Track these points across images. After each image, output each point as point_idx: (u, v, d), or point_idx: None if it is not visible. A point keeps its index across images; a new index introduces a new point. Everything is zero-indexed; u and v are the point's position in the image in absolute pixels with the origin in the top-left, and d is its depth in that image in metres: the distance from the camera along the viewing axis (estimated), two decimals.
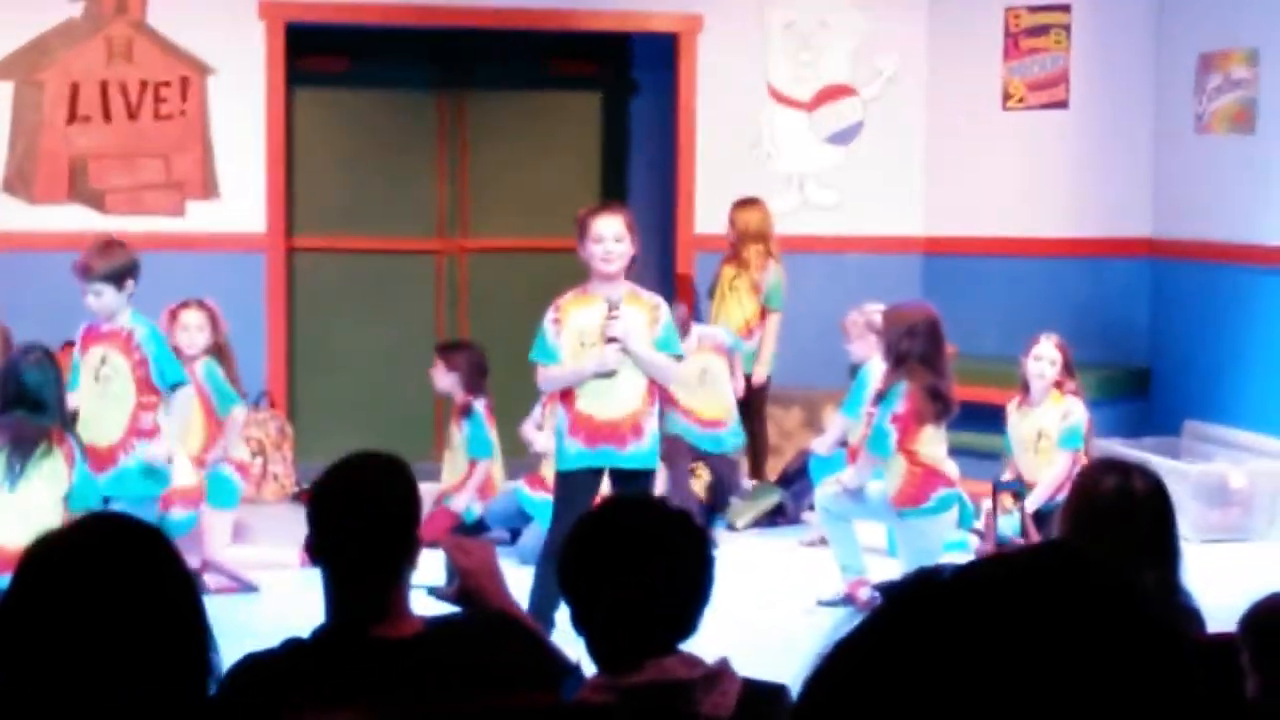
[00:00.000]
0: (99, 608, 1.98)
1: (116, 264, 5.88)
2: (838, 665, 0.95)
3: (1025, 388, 6.96)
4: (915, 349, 6.06)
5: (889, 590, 0.99)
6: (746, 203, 8.47)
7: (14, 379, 5.50)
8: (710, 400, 7.82)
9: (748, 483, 8.00)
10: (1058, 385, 6.88)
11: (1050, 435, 6.84)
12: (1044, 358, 6.89)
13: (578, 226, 5.64)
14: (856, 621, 0.98)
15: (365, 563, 2.73)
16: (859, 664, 0.94)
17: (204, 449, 6.84)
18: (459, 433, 7.52)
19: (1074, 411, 6.83)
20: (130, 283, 5.91)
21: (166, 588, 2.03)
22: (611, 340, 5.52)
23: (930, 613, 0.94)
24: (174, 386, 5.96)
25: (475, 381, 7.50)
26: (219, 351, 6.98)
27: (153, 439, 5.89)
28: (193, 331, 6.89)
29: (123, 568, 2.02)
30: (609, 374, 5.55)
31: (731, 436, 7.88)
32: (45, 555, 2.06)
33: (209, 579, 6.32)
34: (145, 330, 5.96)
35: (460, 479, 7.51)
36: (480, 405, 7.46)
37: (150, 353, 5.91)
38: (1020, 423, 6.98)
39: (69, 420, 5.67)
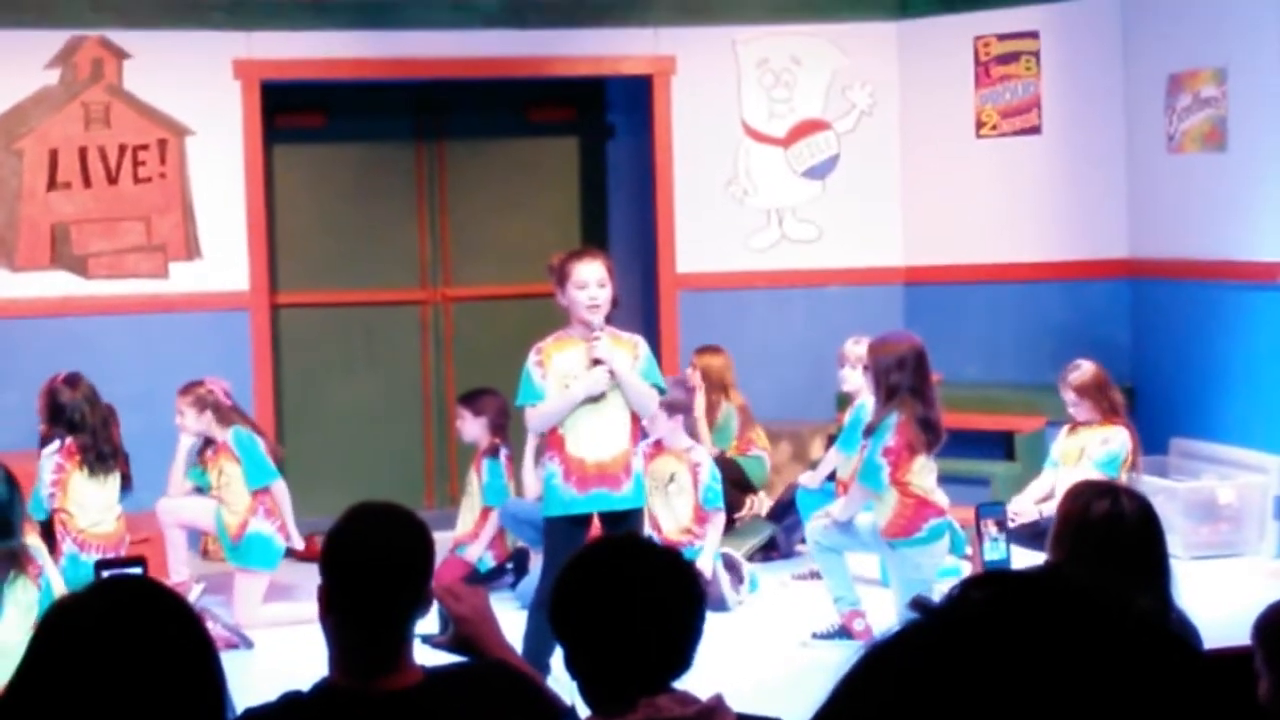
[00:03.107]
0: (117, 670, 1.98)
1: None
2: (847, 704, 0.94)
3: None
4: (904, 381, 6.09)
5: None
6: (708, 349, 8.32)
7: None
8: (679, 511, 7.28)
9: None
10: (1103, 410, 7.02)
11: (1089, 454, 6.97)
12: (1068, 401, 7.12)
13: (555, 273, 5.66)
14: (856, 659, 0.97)
15: (380, 614, 2.73)
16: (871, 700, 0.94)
17: (250, 512, 6.96)
18: (477, 479, 7.55)
19: (1114, 438, 6.94)
20: None
21: (183, 649, 2.03)
22: (597, 362, 5.55)
23: (928, 652, 0.93)
24: None
25: (501, 426, 7.55)
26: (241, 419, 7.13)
27: None
28: (187, 420, 7.06)
29: (140, 630, 2.01)
30: (598, 398, 5.57)
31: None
32: (63, 618, 2.06)
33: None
34: None
35: (474, 527, 7.54)
36: (503, 452, 7.52)
37: None
38: (1067, 440, 7.15)
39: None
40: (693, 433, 7.55)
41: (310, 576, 2.83)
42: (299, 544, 7.13)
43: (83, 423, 6.76)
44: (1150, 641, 0.93)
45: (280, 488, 7.06)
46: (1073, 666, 0.90)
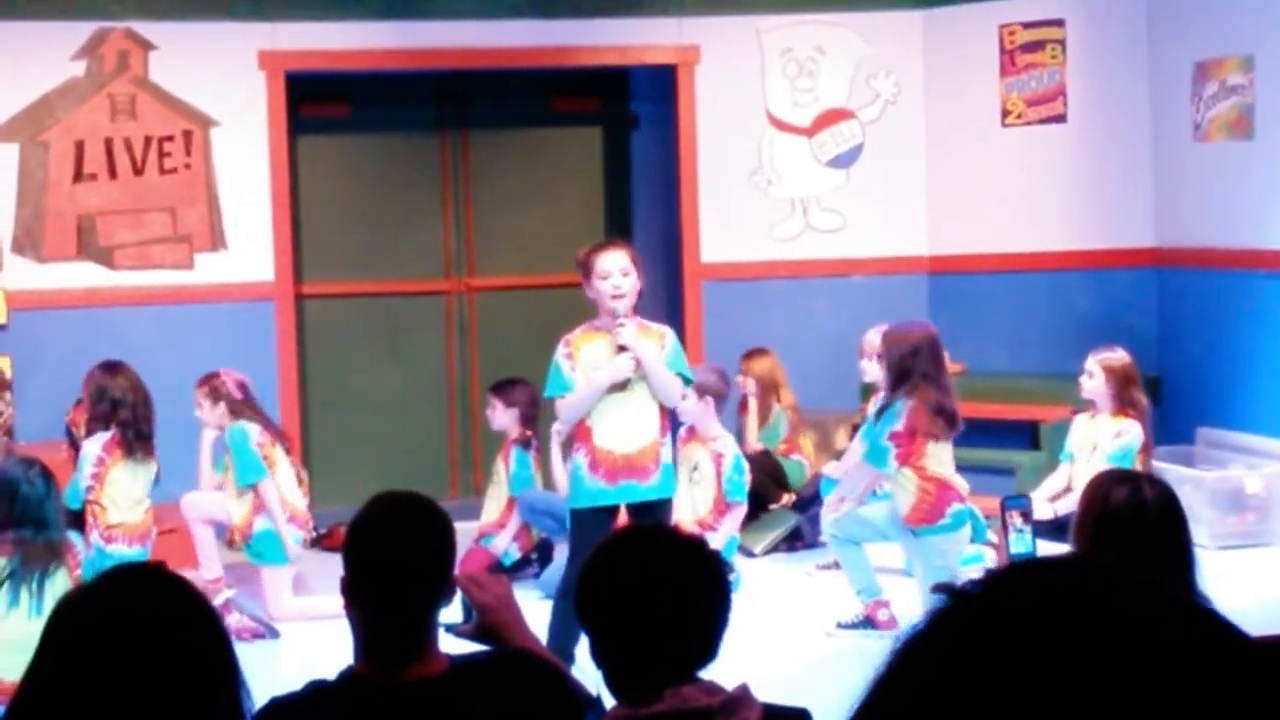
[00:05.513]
0: (130, 658, 1.98)
1: None
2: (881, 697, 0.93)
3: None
4: (918, 367, 6.09)
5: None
6: (754, 353, 8.39)
7: (12, 497, 5.45)
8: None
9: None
10: (1121, 402, 6.97)
11: (1101, 448, 6.94)
12: (1085, 371, 7.09)
13: (581, 267, 5.65)
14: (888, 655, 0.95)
15: (403, 604, 2.73)
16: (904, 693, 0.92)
17: (254, 511, 6.95)
18: (505, 468, 7.56)
19: (1128, 431, 6.91)
20: None
21: (197, 635, 2.03)
22: (622, 349, 5.55)
23: (973, 639, 0.91)
24: None
25: (532, 418, 7.56)
26: (248, 411, 7.08)
27: None
28: (204, 412, 7.02)
29: (152, 618, 2.02)
30: (624, 388, 5.56)
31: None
32: (74, 608, 2.07)
33: (230, 621, 6.35)
34: None
35: (499, 517, 7.55)
36: (534, 443, 7.53)
37: None
38: (1083, 430, 7.15)
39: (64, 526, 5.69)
40: (740, 426, 7.58)
41: (335, 566, 2.83)
42: (296, 555, 7.05)
43: (124, 400, 6.80)
44: (1202, 625, 0.92)
45: (266, 486, 6.97)
46: (1120, 649, 0.89)
